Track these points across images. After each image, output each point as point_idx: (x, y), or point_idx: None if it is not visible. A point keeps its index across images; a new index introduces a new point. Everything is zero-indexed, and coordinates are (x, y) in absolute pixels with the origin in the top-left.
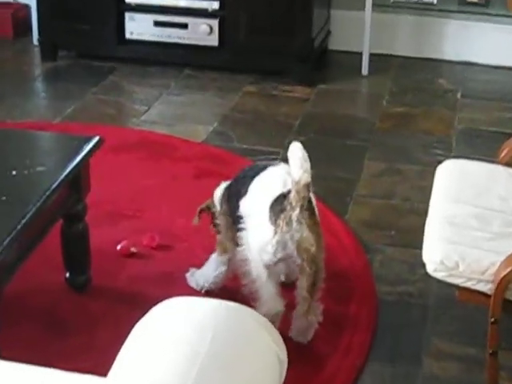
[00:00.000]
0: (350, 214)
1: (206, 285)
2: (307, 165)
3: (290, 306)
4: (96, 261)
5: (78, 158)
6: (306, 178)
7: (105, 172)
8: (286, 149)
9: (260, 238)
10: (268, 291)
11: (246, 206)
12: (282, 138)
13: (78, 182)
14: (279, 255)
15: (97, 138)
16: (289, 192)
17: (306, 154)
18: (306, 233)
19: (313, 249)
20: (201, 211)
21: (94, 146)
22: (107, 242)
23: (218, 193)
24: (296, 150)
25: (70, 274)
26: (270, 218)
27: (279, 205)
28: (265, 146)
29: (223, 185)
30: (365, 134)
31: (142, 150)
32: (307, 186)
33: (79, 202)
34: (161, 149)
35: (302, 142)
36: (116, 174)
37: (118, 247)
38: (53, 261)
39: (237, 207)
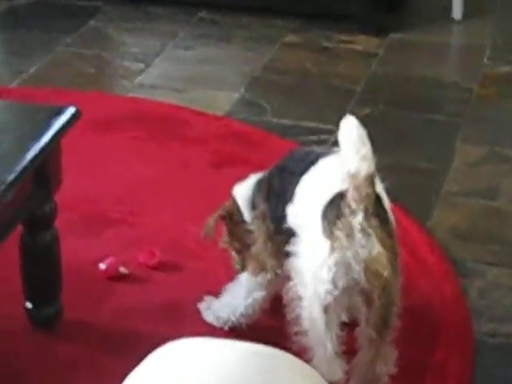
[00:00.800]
0: (435, 221)
1: (233, 318)
2: (366, 149)
3: (349, 349)
4: (70, 285)
5: (46, 139)
6: (367, 167)
7: (84, 158)
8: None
9: (312, 259)
10: (324, 349)
11: (294, 214)
12: (337, 110)
13: (44, 173)
14: (341, 283)
15: (72, 110)
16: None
17: (364, 134)
18: (377, 249)
19: (386, 273)
20: (218, 219)
21: (68, 122)
22: (86, 259)
23: (244, 191)
24: (349, 129)
25: (33, 305)
26: (324, 228)
27: (335, 209)
28: (313, 121)
29: (252, 179)
30: (457, 104)
31: (137, 128)
32: (370, 179)
33: (46, 201)
34: (164, 125)
35: (366, 117)
36: (100, 162)
37: (102, 266)
38: (7, 286)
39: (280, 213)
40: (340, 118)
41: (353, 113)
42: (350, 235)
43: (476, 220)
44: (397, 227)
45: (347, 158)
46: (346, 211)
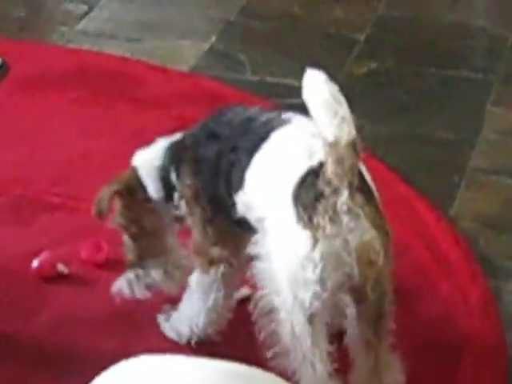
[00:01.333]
0: (459, 206)
1: (197, 330)
2: (344, 109)
3: (342, 366)
4: None
5: None
6: (348, 132)
7: (11, 126)
8: (341, 85)
9: (287, 259)
10: (312, 370)
11: (248, 205)
12: (333, 66)
13: None
14: (330, 282)
15: None
16: (321, 166)
17: (336, 90)
18: (369, 232)
19: (380, 260)
20: (113, 194)
21: None
22: (15, 254)
23: (150, 160)
24: (317, 87)
25: None
26: (300, 216)
27: (310, 190)
28: (301, 79)
29: (160, 144)
30: (486, 57)
31: (79, 87)
32: (353, 146)
33: None
34: (114, 84)
35: (370, 74)
36: (32, 131)
37: (35, 263)
38: None
39: (221, 192)
40: (337, 74)
41: (353, 69)
42: (334, 220)
43: (510, 205)
44: (408, 213)
45: (322, 123)
46: (327, 190)
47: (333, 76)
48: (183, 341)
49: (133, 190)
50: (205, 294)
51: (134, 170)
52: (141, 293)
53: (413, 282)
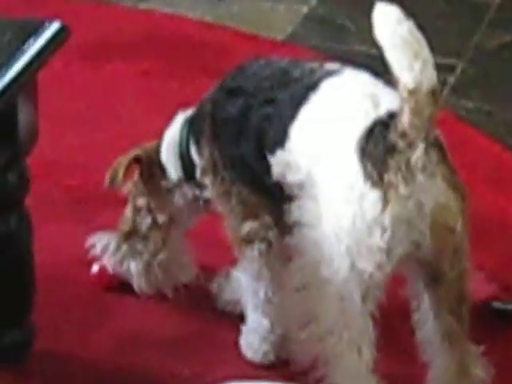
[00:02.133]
0: None
1: (267, 335)
2: (425, 51)
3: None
4: (46, 299)
5: (13, 71)
6: (430, 78)
7: (71, 103)
8: (469, 60)
9: (350, 221)
10: (359, 354)
11: (290, 165)
12: (460, 36)
13: (10, 123)
14: (399, 250)
15: (55, 26)
16: (391, 116)
17: (414, 29)
18: (445, 194)
19: (459, 226)
20: (132, 162)
21: (48, 44)
22: (72, 258)
23: (170, 136)
24: (393, 23)
25: None
26: (368, 172)
27: (379, 143)
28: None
29: (179, 118)
30: None
31: (150, 57)
32: (434, 95)
33: (12, 167)
34: (192, 54)
35: (503, 48)
36: (95, 109)
37: (95, 269)
38: None
39: (252, 155)
40: (466, 49)
41: (483, 41)
42: (407, 178)
43: None
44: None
45: (399, 65)
46: (400, 143)
47: (458, 49)
48: (259, 357)
49: (152, 162)
50: (255, 283)
51: (158, 145)
52: (109, 263)
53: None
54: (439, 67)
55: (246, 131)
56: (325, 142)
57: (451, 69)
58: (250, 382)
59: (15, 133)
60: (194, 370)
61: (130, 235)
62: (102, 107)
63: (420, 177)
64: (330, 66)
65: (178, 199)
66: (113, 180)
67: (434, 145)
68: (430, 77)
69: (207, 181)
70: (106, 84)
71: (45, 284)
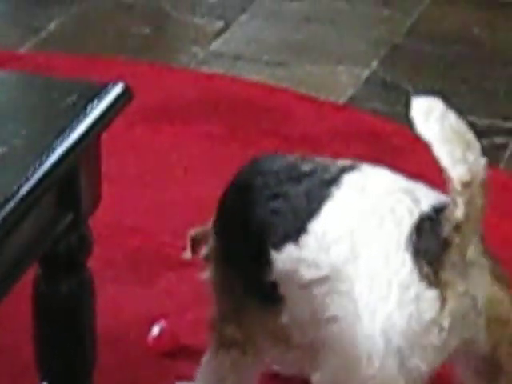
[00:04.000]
0: None
1: None
2: (475, 142)
3: None
4: (107, 361)
5: (77, 133)
6: (482, 169)
7: (133, 164)
8: None
9: (402, 320)
10: None
11: (312, 255)
12: None
13: (73, 186)
14: (451, 349)
15: (118, 89)
16: (437, 211)
17: (459, 119)
18: (495, 285)
19: (511, 315)
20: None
21: (112, 107)
22: (130, 320)
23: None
24: (437, 116)
25: None
26: (422, 272)
27: (432, 239)
28: (483, 116)
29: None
30: None
31: (212, 119)
32: (484, 185)
33: (75, 229)
34: (254, 117)
35: None
36: (156, 171)
37: (154, 332)
38: (15, 357)
39: (253, 255)
40: None
41: None
42: (463, 274)
43: None
44: None
45: (452, 158)
46: (456, 238)
47: None
48: None
49: (198, 242)
50: (215, 380)
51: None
52: None
53: None
54: (500, 131)
55: (249, 226)
56: (365, 239)
57: (511, 133)
58: None
59: (77, 196)
60: None
61: None
62: (163, 170)
63: (472, 271)
64: (343, 162)
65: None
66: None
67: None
68: (483, 168)
69: (208, 267)
70: (168, 146)
71: (105, 346)
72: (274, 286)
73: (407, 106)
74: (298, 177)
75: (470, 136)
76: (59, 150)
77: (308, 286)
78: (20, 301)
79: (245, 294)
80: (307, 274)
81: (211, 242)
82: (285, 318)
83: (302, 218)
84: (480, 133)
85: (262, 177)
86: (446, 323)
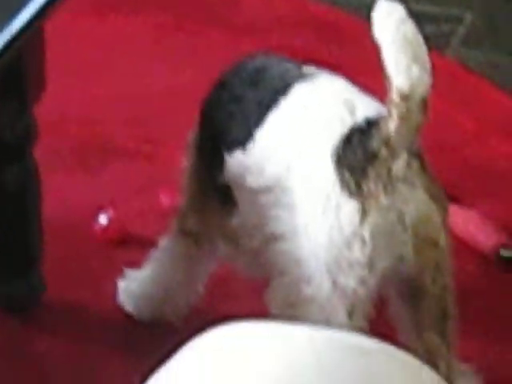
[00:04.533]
0: None
1: (150, 304)
2: (425, 55)
3: None
4: (54, 249)
5: (20, 20)
6: (425, 85)
7: (79, 55)
8: (478, 11)
9: (327, 235)
10: None
11: (257, 162)
12: None
13: (17, 73)
14: (381, 264)
15: None
16: (369, 124)
17: (415, 29)
18: (427, 204)
19: (442, 239)
20: None
21: None
22: (78, 210)
23: None
24: (395, 22)
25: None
26: (346, 181)
27: (359, 150)
28: (430, 3)
29: None
30: None
31: (160, 9)
32: (424, 102)
33: (19, 118)
34: (201, 6)
35: None
36: (103, 62)
37: (103, 220)
38: None
39: (209, 150)
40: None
41: None
42: (388, 188)
43: None
44: None
45: (396, 66)
46: (383, 151)
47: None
48: (133, 313)
49: None
50: (167, 266)
51: None
52: None
53: None
54: (448, 18)
55: (214, 124)
56: (297, 148)
57: (459, 19)
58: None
59: (21, 85)
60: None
61: None
62: (110, 60)
63: (401, 187)
64: (307, 69)
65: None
66: None
67: (416, 155)
68: (426, 85)
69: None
70: (115, 37)
71: (52, 235)
72: (228, 187)
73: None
74: (256, 82)
75: (422, 50)
76: (0, 39)
77: (255, 193)
78: None
79: (208, 189)
80: (253, 181)
81: (194, 130)
82: (236, 221)
83: (250, 125)
84: (426, 18)
85: (236, 77)
86: (366, 235)
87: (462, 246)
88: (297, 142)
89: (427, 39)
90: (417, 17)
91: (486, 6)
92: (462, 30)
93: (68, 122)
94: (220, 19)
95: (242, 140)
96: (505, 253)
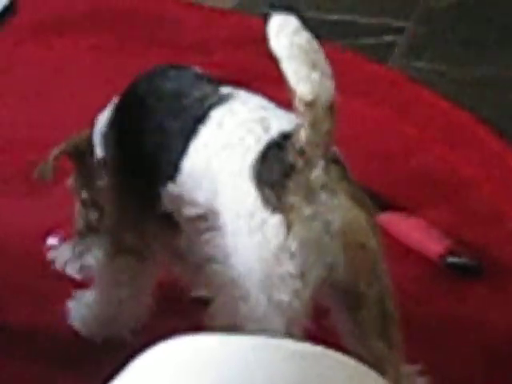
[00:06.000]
0: None
1: (101, 324)
2: (323, 62)
3: None
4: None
5: None
6: (329, 89)
7: (21, 80)
8: (418, 21)
9: (255, 252)
10: None
11: (188, 193)
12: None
13: None
14: (313, 274)
15: (3, 3)
16: (285, 137)
17: (311, 39)
18: (351, 209)
19: (371, 241)
20: (62, 155)
21: None
22: (26, 232)
23: (102, 120)
24: (290, 33)
25: None
26: (266, 197)
27: (276, 165)
28: (372, 14)
29: (113, 103)
30: None
31: (100, 31)
32: (331, 108)
33: None
34: (142, 27)
35: (453, 6)
36: (45, 85)
37: (52, 242)
38: None
39: (145, 180)
40: (413, 8)
41: (431, 2)
42: (310, 198)
43: None
44: (503, 175)
45: (296, 76)
46: (299, 162)
47: (408, 10)
48: (85, 334)
49: (82, 152)
50: (110, 284)
51: (91, 130)
52: (72, 271)
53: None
54: (388, 29)
55: (142, 152)
56: (220, 173)
57: (400, 30)
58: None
59: None
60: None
61: (86, 232)
62: (53, 83)
63: (322, 195)
64: (224, 89)
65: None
66: (43, 175)
67: (334, 161)
68: (329, 89)
69: (104, 174)
70: (58, 60)
71: (2, 258)
72: (168, 214)
73: (265, 22)
74: (177, 111)
75: (319, 56)
76: None
77: (192, 221)
78: None
79: (143, 210)
80: (188, 211)
81: (107, 147)
82: (182, 243)
83: (176, 157)
84: (368, 29)
85: (154, 97)
86: (293, 247)
87: (408, 254)
88: (219, 167)
89: (369, 50)
90: (359, 28)
91: (426, 17)
92: (403, 41)
93: (15, 147)
94: (162, 40)
95: (171, 173)
96: (451, 259)
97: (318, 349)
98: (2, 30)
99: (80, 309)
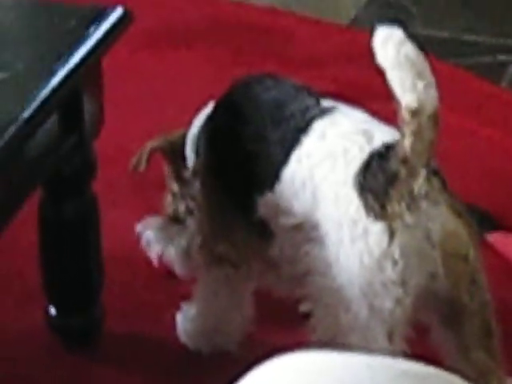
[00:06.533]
0: None
1: (204, 337)
2: (429, 73)
3: None
4: (115, 282)
5: (77, 57)
6: (434, 100)
7: (134, 91)
8: None
9: (358, 261)
10: None
11: (286, 203)
12: None
13: (76, 108)
14: (413, 281)
15: (118, 13)
16: (387, 148)
17: (418, 51)
18: (452, 220)
19: (472, 253)
20: (155, 150)
21: (112, 31)
22: (137, 242)
23: (195, 126)
24: (396, 44)
25: (59, 312)
26: (370, 205)
27: (379, 173)
28: (485, 33)
29: (209, 108)
30: None
31: (216, 44)
32: (435, 118)
33: (79, 152)
34: (257, 40)
35: None
36: (161, 94)
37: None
38: (20, 282)
39: (240, 188)
40: None
41: None
42: (412, 206)
43: None
44: None
45: (402, 85)
46: (402, 170)
47: None
48: (192, 348)
49: (175, 151)
50: (210, 295)
51: (185, 132)
52: (153, 252)
53: None
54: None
55: (237, 161)
56: (322, 183)
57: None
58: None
59: (80, 119)
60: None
61: (174, 219)
62: (167, 95)
63: (424, 204)
64: (325, 102)
65: (195, 191)
66: (137, 166)
67: (435, 173)
68: (433, 98)
69: (197, 182)
70: (171, 72)
71: (111, 268)
72: (262, 222)
73: (371, 35)
74: (278, 120)
75: (424, 66)
76: (60, 74)
77: (288, 231)
78: (24, 227)
79: (236, 217)
80: (284, 220)
81: (201, 156)
82: (274, 250)
83: (277, 166)
84: (480, 48)
85: (251, 107)
86: (396, 255)
87: None
88: (321, 176)
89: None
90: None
91: None
92: None
93: (126, 156)
94: (275, 52)
95: (270, 181)
96: None
97: (431, 369)
98: (118, 39)
99: (185, 322)
